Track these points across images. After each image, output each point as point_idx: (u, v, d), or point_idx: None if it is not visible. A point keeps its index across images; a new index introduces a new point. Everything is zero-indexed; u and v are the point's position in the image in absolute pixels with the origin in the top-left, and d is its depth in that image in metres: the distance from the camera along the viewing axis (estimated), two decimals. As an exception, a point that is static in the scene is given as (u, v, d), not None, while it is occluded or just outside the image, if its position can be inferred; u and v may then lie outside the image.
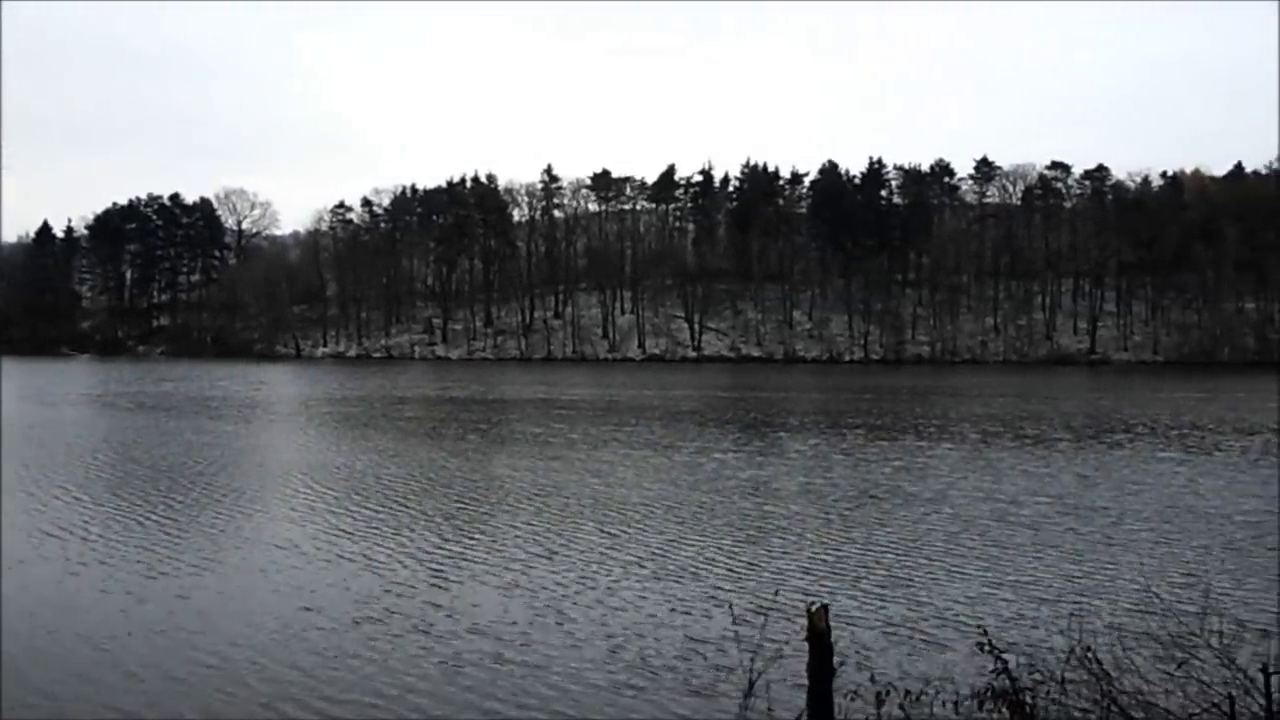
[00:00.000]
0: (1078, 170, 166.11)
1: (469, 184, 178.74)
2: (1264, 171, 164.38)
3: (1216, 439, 48.47)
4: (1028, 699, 10.94)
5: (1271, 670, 9.50)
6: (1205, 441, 47.37)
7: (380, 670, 16.21)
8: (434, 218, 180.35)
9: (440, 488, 34.55)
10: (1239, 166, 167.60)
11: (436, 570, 22.92)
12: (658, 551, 24.81)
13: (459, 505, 31.27)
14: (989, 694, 11.11)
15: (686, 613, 19.41)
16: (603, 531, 27.19)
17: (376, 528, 27.67)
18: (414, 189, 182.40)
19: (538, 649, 17.24)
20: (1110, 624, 16.08)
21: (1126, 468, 39.02)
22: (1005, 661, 11.10)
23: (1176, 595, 18.90)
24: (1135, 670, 10.83)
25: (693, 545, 25.47)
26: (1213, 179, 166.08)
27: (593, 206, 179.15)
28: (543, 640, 17.71)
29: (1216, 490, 33.55)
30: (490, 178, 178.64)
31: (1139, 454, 43.31)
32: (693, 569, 23.00)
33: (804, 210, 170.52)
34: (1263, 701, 9.40)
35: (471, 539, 26.29)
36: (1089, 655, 10.68)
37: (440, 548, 25.24)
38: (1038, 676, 11.20)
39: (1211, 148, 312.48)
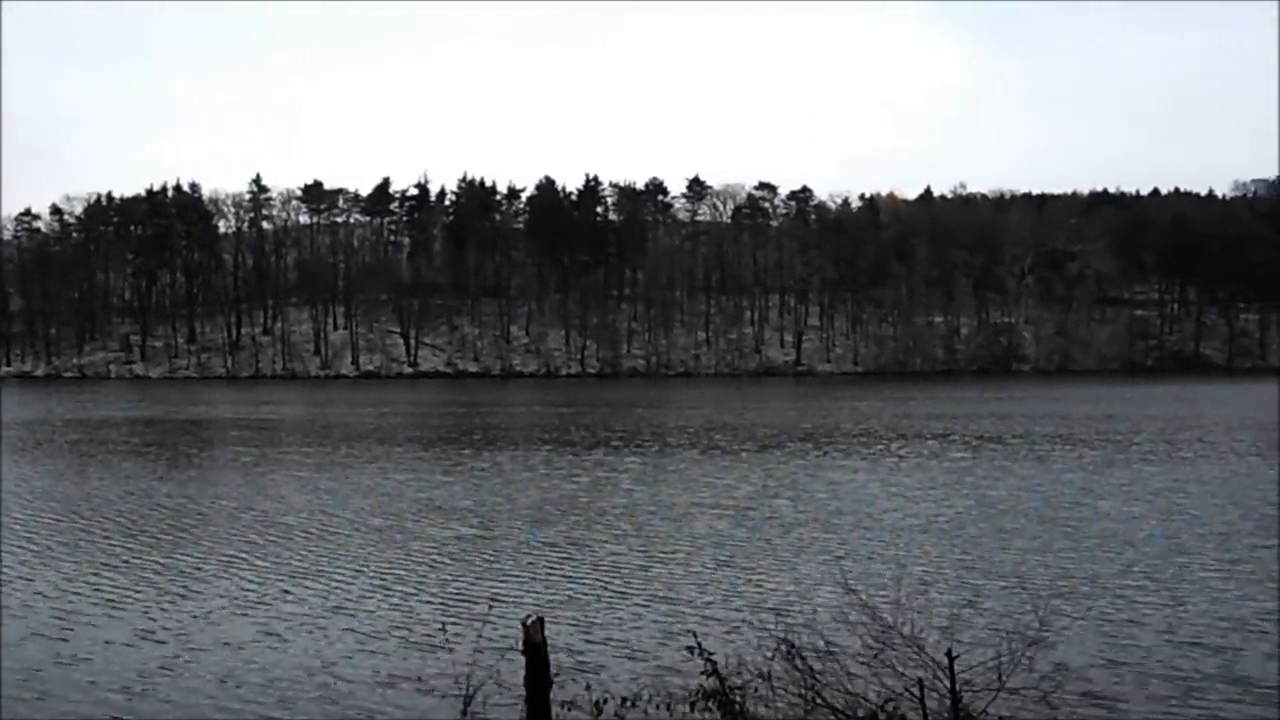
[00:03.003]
0: (784, 191, 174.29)
1: (170, 193, 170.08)
2: (949, 196, 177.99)
3: (889, 445, 51.35)
4: (737, 697, 11.24)
5: (954, 654, 10.14)
6: (878, 448, 50.02)
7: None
8: (132, 228, 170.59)
9: (82, 519, 31.57)
10: (928, 190, 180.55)
11: (59, 613, 20.32)
12: (337, 579, 23.17)
13: (101, 537, 28.55)
14: (700, 694, 11.37)
15: (390, 637, 18.54)
16: (265, 560, 25.26)
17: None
18: (110, 197, 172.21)
19: (181, 701, 15.45)
20: (812, 622, 16.73)
21: (808, 474, 40.49)
22: (714, 663, 11.38)
23: (870, 591, 19.90)
24: (837, 663, 11.26)
25: (379, 570, 24.09)
26: (905, 201, 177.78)
27: (304, 219, 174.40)
28: (188, 689, 15.93)
29: (894, 493, 35.40)
30: (194, 186, 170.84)
31: (821, 461, 45.22)
32: (385, 594, 21.78)
33: (521, 225, 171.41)
34: (948, 683, 10.01)
35: (109, 575, 23.73)
36: (793, 652, 11.05)
37: (68, 587, 22.46)
38: (746, 675, 11.50)
39: (905, 172, 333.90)
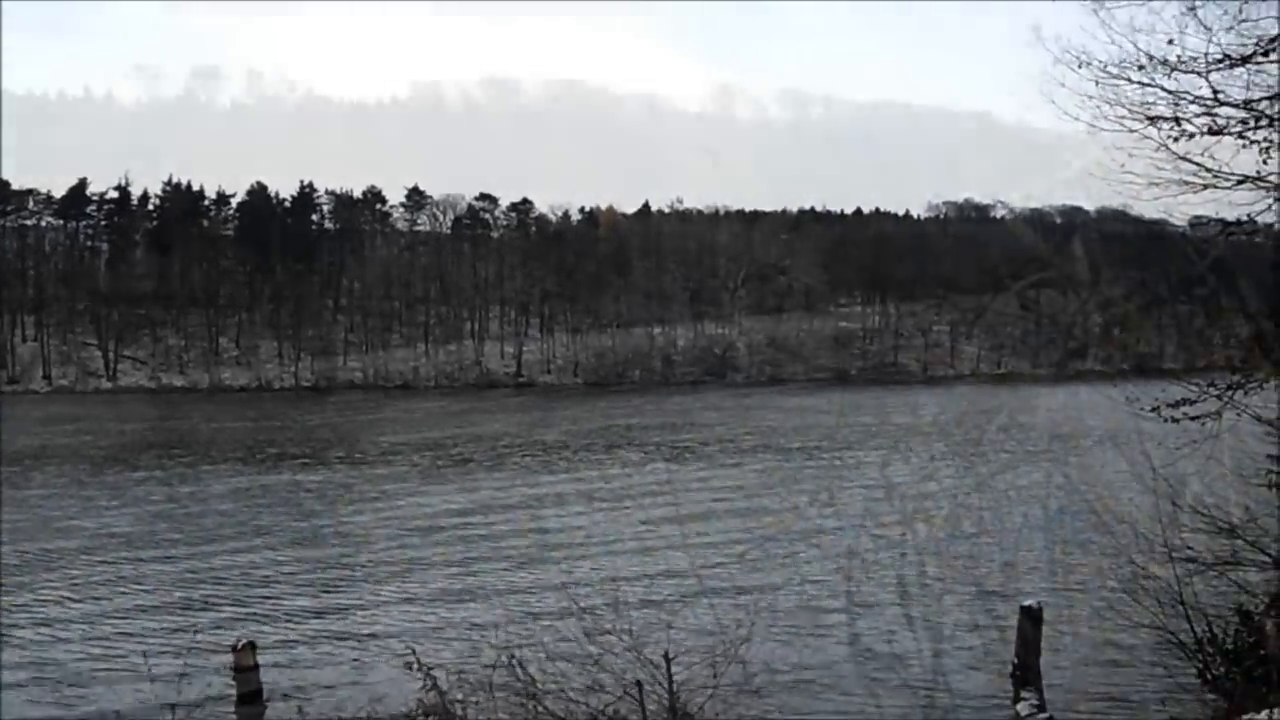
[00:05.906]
0: (504, 202, 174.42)
1: None
2: (666, 211, 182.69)
3: (590, 456, 52.30)
4: (458, 710, 11.14)
5: (671, 656, 10.36)
6: (580, 459, 50.81)
7: None
8: None
9: None
10: (646, 205, 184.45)
11: None
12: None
13: None
14: (420, 709, 11.22)
15: (76, 671, 17.36)
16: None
17: None
18: None
19: None
20: (534, 631, 16.78)
21: (505, 489, 40.71)
22: (434, 677, 11.25)
23: (587, 599, 20.12)
24: (558, 671, 11.34)
25: (32, 611, 22.30)
26: (624, 215, 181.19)
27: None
28: None
29: (597, 506, 36.05)
30: None
31: (520, 476, 45.53)
32: (56, 632, 20.36)
33: (231, 232, 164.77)
34: (666, 684, 10.22)
35: None
36: (513, 662, 11.05)
37: None
38: (466, 688, 11.43)
39: (624, 187, 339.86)
